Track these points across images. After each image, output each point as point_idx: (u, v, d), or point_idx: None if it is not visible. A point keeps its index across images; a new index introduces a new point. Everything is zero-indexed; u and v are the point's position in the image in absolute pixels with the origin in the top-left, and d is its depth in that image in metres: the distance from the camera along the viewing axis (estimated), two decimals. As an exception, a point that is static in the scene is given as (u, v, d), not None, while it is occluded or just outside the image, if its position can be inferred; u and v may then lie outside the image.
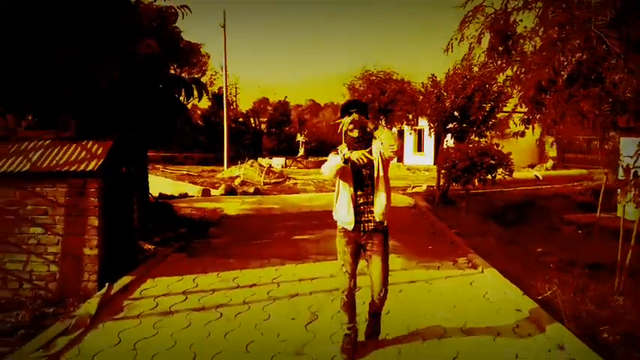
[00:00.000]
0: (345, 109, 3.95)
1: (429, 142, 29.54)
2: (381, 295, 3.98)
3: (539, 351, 4.09)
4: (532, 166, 26.04)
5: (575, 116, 3.40)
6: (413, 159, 31.60)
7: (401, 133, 32.71)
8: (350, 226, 3.93)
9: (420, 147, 32.20)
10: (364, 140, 3.95)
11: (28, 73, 5.83)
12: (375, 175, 3.92)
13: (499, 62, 3.27)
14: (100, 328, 4.59)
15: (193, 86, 7.90)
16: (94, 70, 5.84)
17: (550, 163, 25.68)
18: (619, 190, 4.86)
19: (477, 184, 10.59)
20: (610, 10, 2.51)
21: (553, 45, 2.77)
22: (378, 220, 3.93)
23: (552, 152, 27.09)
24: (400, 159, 33.59)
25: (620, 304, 5.43)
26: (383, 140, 3.72)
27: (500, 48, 3.09)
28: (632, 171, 4.51)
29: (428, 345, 4.23)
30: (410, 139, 32.42)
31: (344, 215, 3.96)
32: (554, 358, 3.97)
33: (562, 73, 3.45)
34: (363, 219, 3.95)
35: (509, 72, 3.74)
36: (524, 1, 3.04)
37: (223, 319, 4.83)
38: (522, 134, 4.03)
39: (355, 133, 3.93)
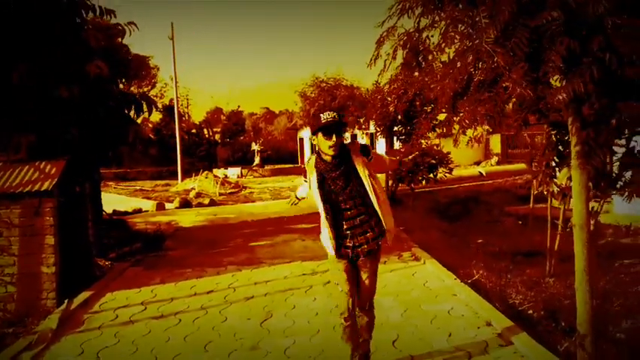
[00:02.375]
0: (322, 128, 3.32)
1: (381, 145, 30.33)
2: (367, 307, 3.81)
3: (469, 328, 4.58)
4: (478, 163, 27.23)
5: (483, 117, 3.90)
6: (366, 162, 32.29)
7: (354, 138, 33.46)
8: (332, 252, 3.57)
9: (372, 150, 32.98)
10: (341, 164, 3.42)
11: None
12: (370, 191, 3.43)
13: (414, 74, 3.74)
14: (62, 342, 4.77)
15: (143, 102, 8.10)
16: (54, 86, 6.01)
17: (495, 159, 26.96)
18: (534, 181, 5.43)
19: (423, 183, 11.20)
20: (493, 31, 3.00)
21: (452, 60, 3.25)
22: (389, 241, 3.60)
23: (497, 149, 28.45)
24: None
25: (551, 286, 6.02)
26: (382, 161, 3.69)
27: (414, 63, 3.56)
28: (545, 161, 5.10)
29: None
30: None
31: (325, 239, 3.59)
32: (482, 333, 4.46)
33: (480, 77, 3.93)
34: (355, 243, 3.51)
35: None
36: (431, 21, 3.52)
37: (182, 324, 5.10)
38: (445, 136, 4.54)
39: (329, 158, 3.41)
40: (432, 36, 3.62)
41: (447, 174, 10.58)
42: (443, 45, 3.30)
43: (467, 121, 4.12)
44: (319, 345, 4.40)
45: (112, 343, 4.68)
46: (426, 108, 12.03)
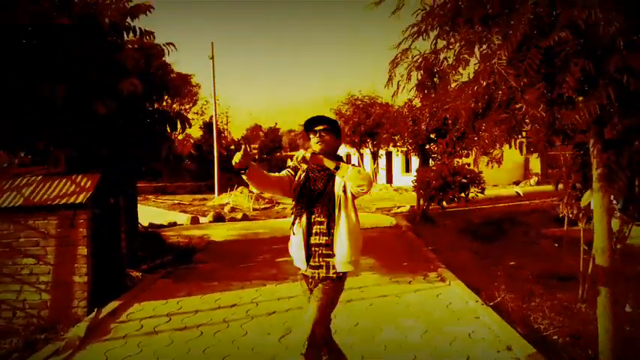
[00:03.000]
0: (307, 127, 3.29)
1: (416, 162, 30.13)
2: (305, 345, 3.14)
3: (489, 352, 4.48)
4: (517, 183, 26.64)
5: (501, 138, 3.87)
6: (401, 180, 32.16)
7: (389, 155, 33.38)
8: (302, 266, 3.32)
9: (407, 168, 32.79)
10: (327, 169, 3.20)
11: (23, 113, 6.33)
12: (336, 212, 3.19)
13: (431, 94, 3.76)
14: (88, 349, 4.94)
15: (177, 119, 8.38)
16: (91, 103, 6.33)
17: (534, 179, 26.29)
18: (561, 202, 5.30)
19: (457, 202, 11.06)
20: (505, 51, 3.01)
21: (466, 82, 3.26)
22: (339, 270, 3.21)
23: (537, 168, 27.76)
24: (389, 180, 34.15)
25: (582, 311, 5.83)
26: (348, 182, 3.09)
27: (429, 83, 3.59)
28: (571, 183, 4.99)
29: (389, 351, 4.61)
30: (398, 161, 33.06)
31: (294, 253, 3.37)
32: (501, 357, 4.36)
33: (502, 98, 3.91)
34: (313, 263, 3.27)
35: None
36: (446, 42, 3.55)
37: (203, 336, 5.20)
38: (467, 156, 4.53)
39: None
40: (449, 58, 3.65)
41: (478, 193, 10.41)
42: (457, 66, 3.32)
43: (486, 141, 4.10)
44: (335, 363, 4.39)
45: (134, 352, 4.81)
46: (458, 127, 11.92)
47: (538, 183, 25.59)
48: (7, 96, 6.13)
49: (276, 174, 3.45)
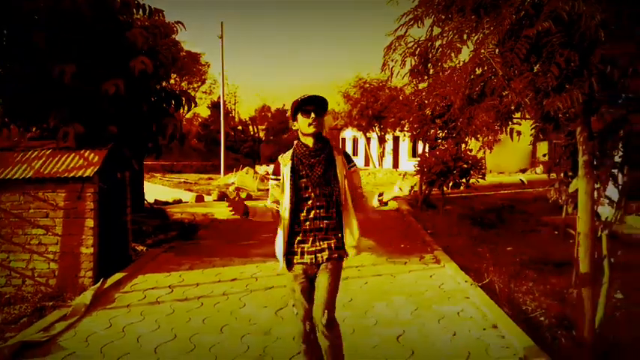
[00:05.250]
0: (299, 107, 3.13)
1: (419, 149, 30.15)
2: (324, 320, 3.14)
3: (475, 330, 4.68)
4: (523, 171, 26.67)
5: (492, 125, 4.01)
6: (407, 164, 32.24)
7: (396, 140, 33.43)
8: (280, 257, 3.30)
9: (414, 152, 32.84)
10: (322, 153, 3.19)
11: (34, 91, 6.54)
12: (343, 198, 3.18)
13: (424, 79, 3.90)
14: (93, 315, 5.19)
15: (182, 98, 8.55)
16: (101, 81, 6.52)
17: (540, 168, 26.27)
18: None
19: (458, 188, 11.19)
20: (492, 39, 3.14)
21: (455, 67, 3.40)
22: (347, 253, 3.24)
23: (543, 157, 27.73)
24: (396, 165, 34.24)
25: (572, 296, 6.00)
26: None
27: (422, 69, 3.72)
28: (562, 170, 5.12)
29: (379, 325, 4.82)
30: (405, 145, 33.12)
31: (280, 246, 3.29)
32: (486, 335, 4.55)
33: (493, 84, 4.02)
34: (313, 248, 3.20)
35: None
36: (441, 31, 3.67)
37: (203, 307, 5.43)
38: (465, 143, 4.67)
39: (310, 142, 3.16)
40: (443, 45, 3.77)
41: (479, 179, 10.54)
42: (449, 53, 3.45)
43: (476, 127, 4.23)
44: (327, 335, 4.60)
45: (137, 320, 5.06)
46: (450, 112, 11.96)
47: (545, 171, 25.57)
48: (20, 75, 6.32)
49: (273, 197, 3.30)
